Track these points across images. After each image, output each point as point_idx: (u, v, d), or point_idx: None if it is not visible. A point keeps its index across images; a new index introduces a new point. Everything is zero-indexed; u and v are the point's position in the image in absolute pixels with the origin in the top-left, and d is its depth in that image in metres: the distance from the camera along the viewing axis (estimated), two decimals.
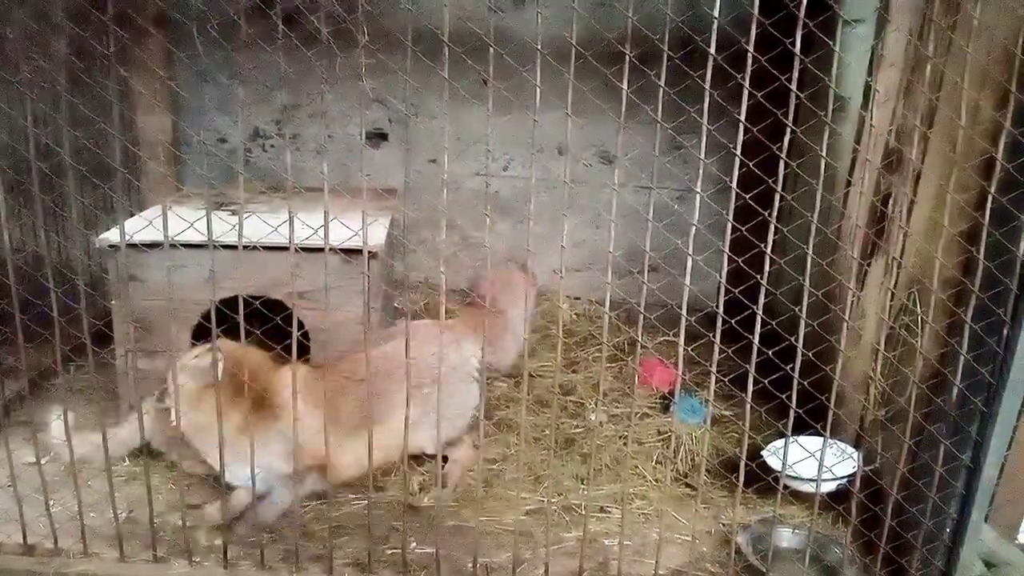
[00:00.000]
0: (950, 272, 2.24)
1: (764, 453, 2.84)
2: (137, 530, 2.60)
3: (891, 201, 2.80)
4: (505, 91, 2.02)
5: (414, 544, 2.59)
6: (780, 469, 2.42)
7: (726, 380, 2.30)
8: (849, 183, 3.21)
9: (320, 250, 2.32)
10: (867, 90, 3.15)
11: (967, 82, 2.03)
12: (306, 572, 2.49)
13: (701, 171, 2.03)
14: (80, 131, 2.91)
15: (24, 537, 2.51)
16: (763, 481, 2.70)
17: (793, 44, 1.89)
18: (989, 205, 2.06)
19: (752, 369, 2.18)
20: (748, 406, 2.25)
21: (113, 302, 3.07)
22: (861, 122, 3.21)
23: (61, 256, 3.58)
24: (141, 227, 2.65)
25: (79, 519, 2.49)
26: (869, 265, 2.97)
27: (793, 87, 1.93)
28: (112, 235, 3.04)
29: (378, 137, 4.78)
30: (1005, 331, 2.13)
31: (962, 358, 2.18)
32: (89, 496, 2.65)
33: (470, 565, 2.48)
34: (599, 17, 2.04)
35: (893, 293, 2.48)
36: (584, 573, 2.48)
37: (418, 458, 3.10)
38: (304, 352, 2.95)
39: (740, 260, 2.08)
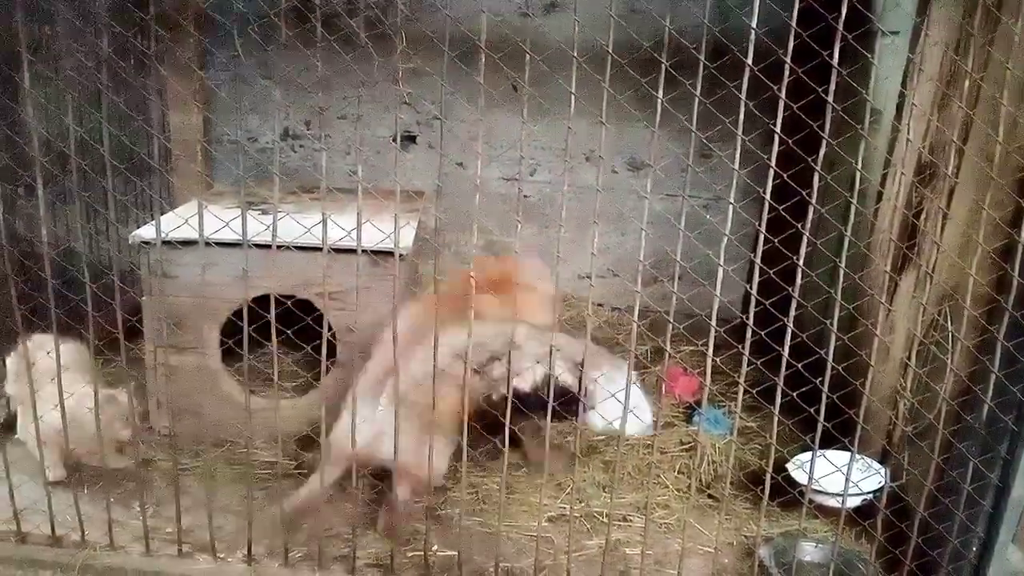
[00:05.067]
0: (983, 288, 2.21)
1: (790, 466, 2.82)
2: (163, 524, 2.63)
3: (924, 215, 2.78)
4: (536, 97, 2.03)
5: (436, 547, 2.60)
6: (806, 483, 2.40)
7: (754, 392, 2.28)
8: (880, 196, 3.19)
9: (350, 251, 2.34)
10: (900, 102, 3.13)
11: (1005, 97, 2.01)
12: (329, 571, 2.51)
13: (735, 181, 2.03)
14: (115, 128, 2.95)
15: (52, 528, 2.54)
16: (787, 494, 2.68)
17: (831, 56, 1.88)
18: None
19: (780, 382, 2.17)
20: (776, 418, 2.24)
21: (144, 298, 3.10)
22: (894, 135, 3.18)
23: (93, 251, 3.63)
24: (174, 224, 2.68)
25: (107, 512, 2.52)
26: (900, 279, 2.94)
27: (830, 99, 1.93)
28: (145, 231, 3.08)
29: (407, 140, 4.81)
30: None
31: (993, 376, 2.16)
32: (116, 489, 2.70)
33: (492, 569, 2.48)
34: (631, 25, 2.04)
35: (924, 308, 2.46)
36: None
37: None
38: (331, 353, 2.97)
39: (772, 272, 2.07)
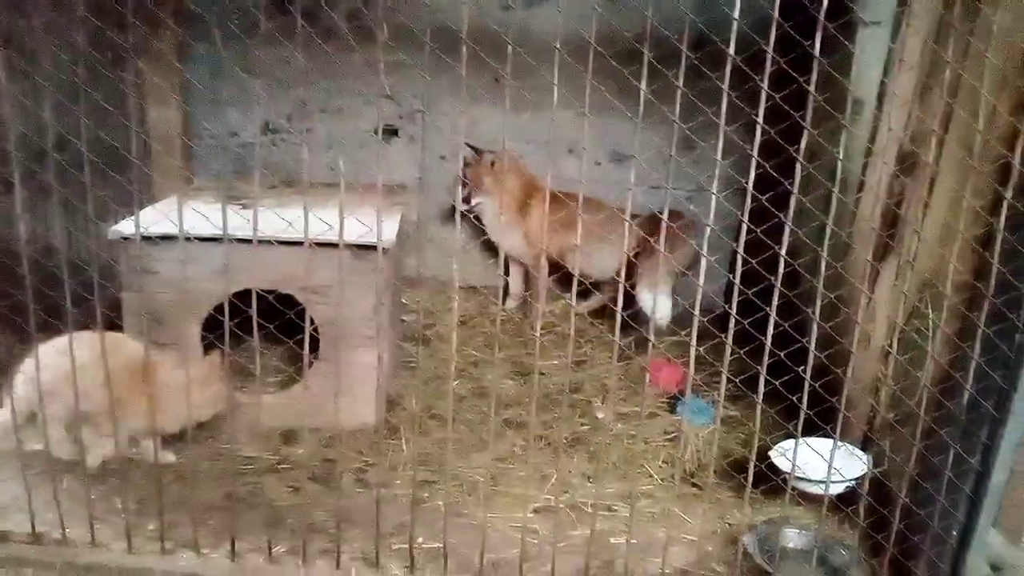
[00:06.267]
0: (963, 276, 2.23)
1: (772, 454, 2.85)
2: (145, 522, 2.61)
3: (905, 204, 2.80)
4: (519, 89, 2.02)
5: (421, 539, 2.60)
6: (789, 470, 2.42)
7: (737, 381, 2.30)
8: (862, 185, 3.21)
9: (331, 245, 2.33)
10: (882, 92, 3.15)
11: (985, 87, 2.03)
12: (314, 566, 2.50)
13: (718, 172, 2.03)
14: (93, 122, 2.92)
15: (33, 526, 2.51)
16: (771, 482, 2.70)
17: (812, 46, 1.89)
18: (1004, 210, 2.06)
19: (763, 371, 2.18)
20: (759, 407, 2.25)
21: (124, 294, 3.08)
22: (875, 124, 3.21)
23: (72, 247, 3.59)
24: (154, 219, 2.66)
25: (88, 509, 2.50)
26: (881, 268, 2.97)
27: (812, 89, 1.93)
28: (125, 227, 3.05)
29: (389, 133, 4.79)
30: (1017, 336, 2.13)
31: (973, 362, 2.18)
32: (98, 485, 2.67)
33: (477, 561, 2.48)
34: (613, 16, 2.04)
35: (905, 296, 2.48)
36: (590, 571, 2.48)
37: None
38: (314, 347, 2.96)
39: (755, 262, 2.08)
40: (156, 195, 4.05)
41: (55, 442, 2.71)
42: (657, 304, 3.92)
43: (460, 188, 4.19)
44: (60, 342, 2.53)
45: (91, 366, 2.43)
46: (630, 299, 3.87)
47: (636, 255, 3.82)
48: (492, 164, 4.23)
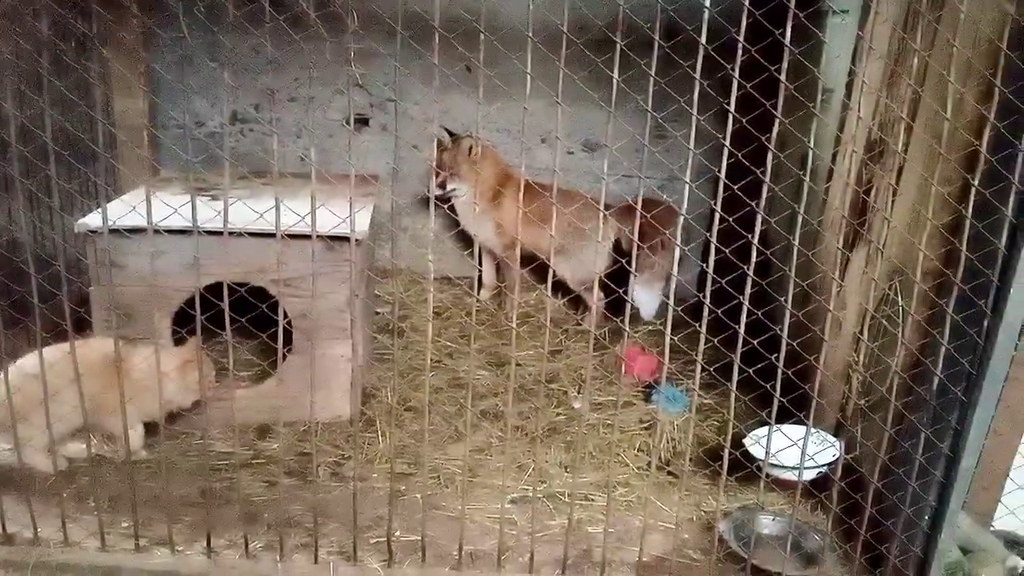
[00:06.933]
0: (932, 263, 2.26)
1: (746, 441, 2.87)
2: (119, 520, 2.57)
3: (874, 192, 2.82)
4: (491, 77, 2.01)
5: (399, 532, 2.59)
6: (763, 457, 2.44)
7: (711, 369, 2.31)
8: (832, 173, 3.23)
9: (303, 237, 2.30)
10: (851, 81, 3.17)
11: (952, 74, 2.05)
12: (291, 561, 2.48)
13: (690, 161, 2.03)
14: (57, 113, 2.86)
15: (3, 526, 2.48)
16: (745, 469, 2.72)
17: (783, 35, 1.90)
18: (972, 197, 2.08)
19: (737, 359, 2.20)
20: (733, 395, 2.27)
21: (91, 288, 3.03)
22: (844, 113, 3.23)
23: (38, 241, 3.53)
24: (121, 211, 2.61)
25: (60, 508, 2.46)
26: (851, 255, 2.99)
27: (783, 78, 1.94)
28: (92, 220, 3.00)
29: (360, 122, 4.75)
30: (986, 322, 2.16)
31: (943, 348, 2.21)
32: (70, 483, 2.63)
33: (455, 552, 2.48)
34: (585, 4, 2.03)
35: (875, 283, 2.50)
36: (568, 560, 2.49)
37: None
38: (287, 340, 2.93)
39: (727, 250, 2.09)
40: (122, 186, 4.00)
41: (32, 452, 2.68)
42: (650, 302, 4.07)
43: (434, 175, 4.12)
44: (31, 361, 2.50)
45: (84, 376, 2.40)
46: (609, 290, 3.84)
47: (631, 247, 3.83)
48: (470, 150, 4.15)
